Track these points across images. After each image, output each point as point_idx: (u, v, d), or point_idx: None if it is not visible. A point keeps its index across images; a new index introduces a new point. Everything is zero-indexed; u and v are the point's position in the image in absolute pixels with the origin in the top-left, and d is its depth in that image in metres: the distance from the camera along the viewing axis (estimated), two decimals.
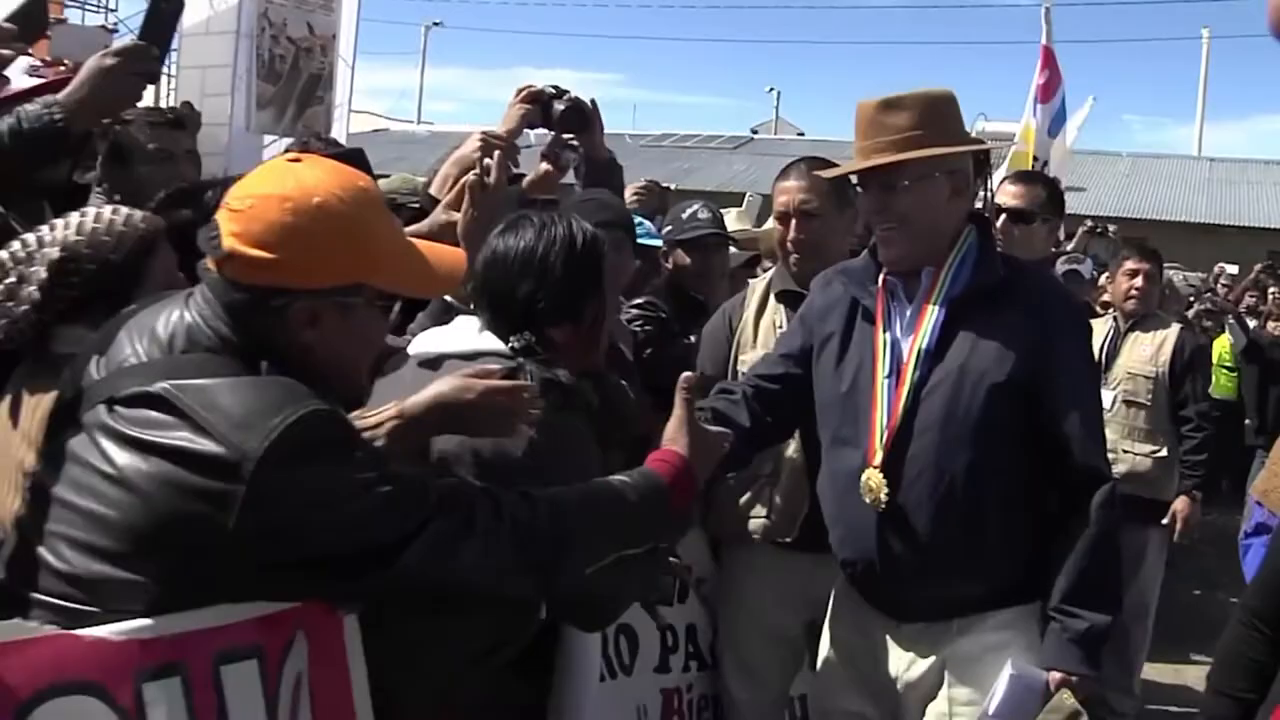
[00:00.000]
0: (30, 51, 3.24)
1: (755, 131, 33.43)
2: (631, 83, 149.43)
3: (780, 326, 3.15)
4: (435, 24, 37.52)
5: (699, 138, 30.38)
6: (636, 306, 3.49)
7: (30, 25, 2.43)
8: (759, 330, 3.24)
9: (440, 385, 2.02)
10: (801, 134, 34.89)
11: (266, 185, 1.66)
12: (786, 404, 2.73)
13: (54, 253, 2.11)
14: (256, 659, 1.54)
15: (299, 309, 1.65)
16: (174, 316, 1.68)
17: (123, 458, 1.53)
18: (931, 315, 2.49)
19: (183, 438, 1.51)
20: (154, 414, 1.54)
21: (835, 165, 3.02)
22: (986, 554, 2.48)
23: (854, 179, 2.72)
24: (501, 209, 2.47)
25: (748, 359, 3.16)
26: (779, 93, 40.04)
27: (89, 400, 1.63)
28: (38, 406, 1.98)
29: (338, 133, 7.11)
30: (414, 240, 1.85)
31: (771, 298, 3.28)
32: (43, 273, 2.09)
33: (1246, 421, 8.79)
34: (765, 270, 3.96)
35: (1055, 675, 2.38)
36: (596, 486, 1.88)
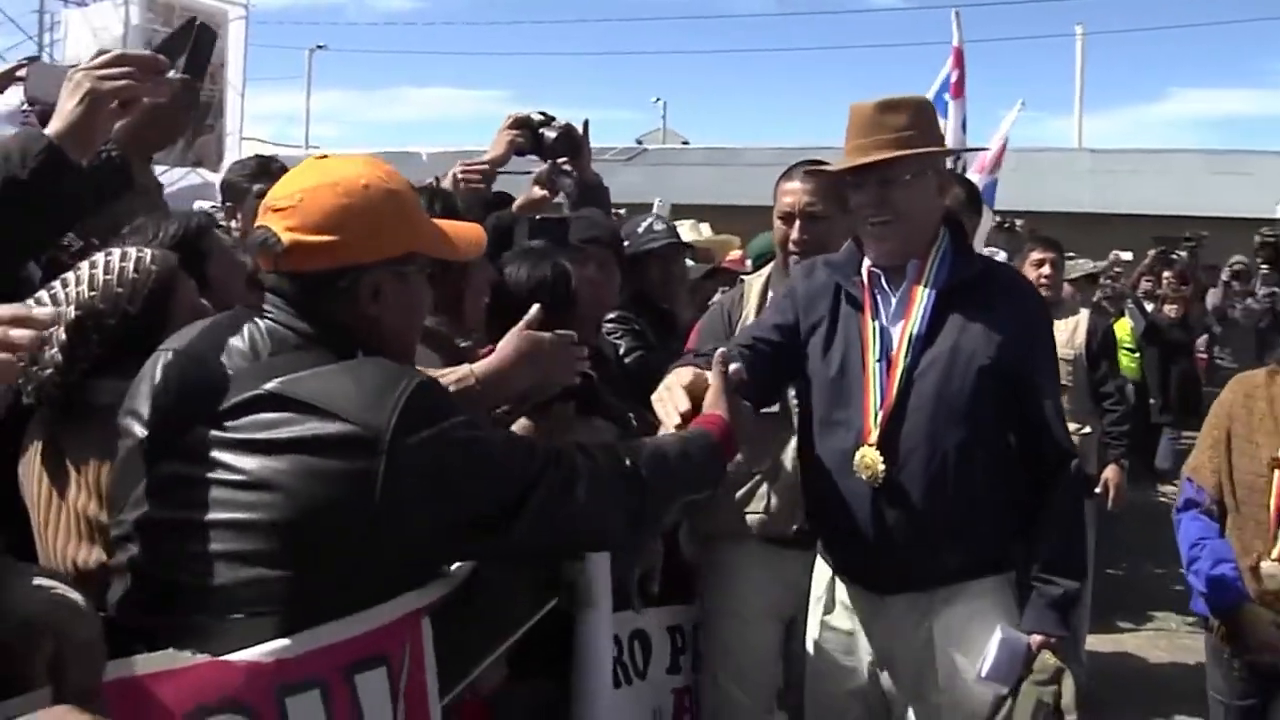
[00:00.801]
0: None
1: (641, 141, 33.48)
2: (516, 99, 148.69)
3: None
4: (319, 47, 36.90)
5: (592, 150, 30.39)
6: (611, 321, 3.54)
7: (192, 61, 2.38)
8: None
9: (514, 342, 2.17)
10: (686, 143, 34.98)
11: (309, 180, 1.78)
12: (777, 366, 2.81)
13: (70, 313, 2.11)
14: (384, 666, 1.65)
15: (366, 283, 1.75)
16: (248, 328, 1.75)
17: (253, 462, 1.59)
18: (920, 303, 2.66)
19: (312, 427, 1.58)
20: (272, 414, 1.61)
21: (822, 166, 3.15)
22: (971, 526, 2.66)
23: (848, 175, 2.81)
24: None
25: None
26: (665, 103, 40.14)
27: (176, 426, 1.67)
28: (97, 461, 2.02)
29: (229, 160, 6.99)
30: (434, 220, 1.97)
31: (771, 295, 3.32)
32: (62, 334, 2.10)
33: (1151, 401, 9.06)
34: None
35: (1037, 638, 2.59)
36: (662, 441, 2.05)
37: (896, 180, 2.63)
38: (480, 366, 2.09)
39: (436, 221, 1.94)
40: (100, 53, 2.00)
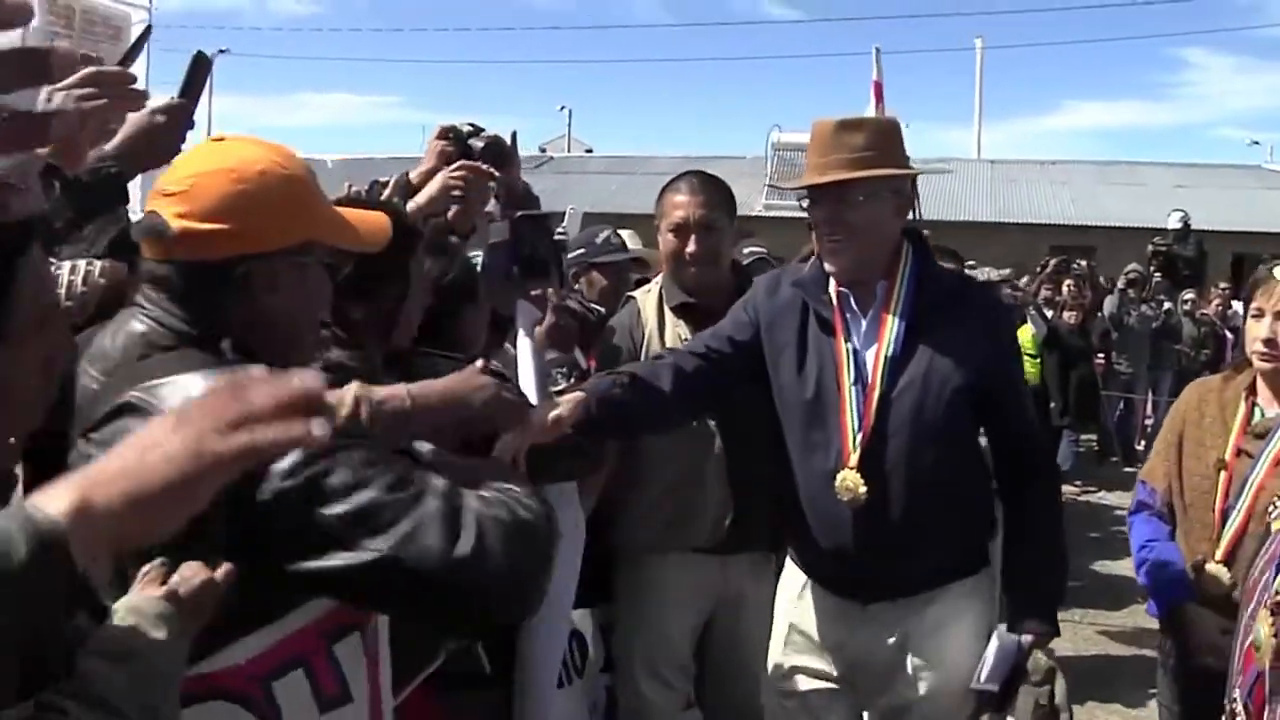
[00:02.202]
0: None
1: (544, 149, 33.40)
2: (414, 104, 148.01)
3: (685, 339, 3.14)
4: (221, 51, 36.09)
5: None
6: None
7: (189, 86, 2.34)
8: (665, 343, 3.22)
9: (455, 378, 2.01)
10: (590, 150, 35.04)
11: (203, 164, 1.68)
12: (721, 378, 2.81)
13: None
14: (358, 631, 1.64)
15: (261, 273, 1.65)
16: (124, 329, 1.65)
17: None
18: (892, 325, 2.66)
19: None
20: (130, 421, 1.48)
21: (708, 176, 3.21)
22: (950, 535, 2.70)
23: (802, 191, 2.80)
24: None
25: None
26: (570, 111, 40.02)
27: (58, 443, 1.56)
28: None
29: None
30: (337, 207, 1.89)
31: (668, 312, 3.29)
32: None
33: (1051, 405, 9.31)
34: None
35: (1028, 638, 2.61)
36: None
37: (850, 200, 2.62)
38: (417, 388, 2.03)
39: (340, 209, 1.87)
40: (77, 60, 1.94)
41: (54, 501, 0.97)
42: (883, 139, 2.66)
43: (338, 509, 1.43)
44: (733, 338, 2.80)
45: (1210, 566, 2.79)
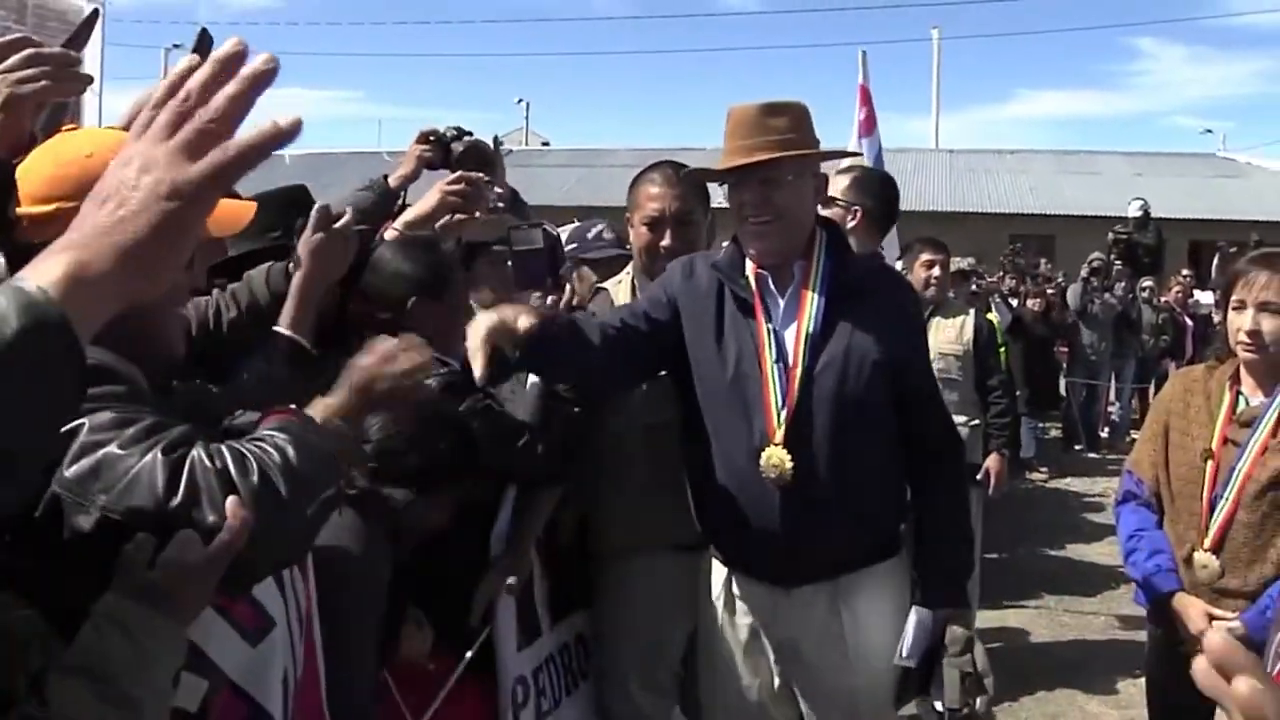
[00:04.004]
0: None
1: (501, 141, 33.13)
2: (372, 99, 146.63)
3: None
4: (175, 46, 35.58)
5: None
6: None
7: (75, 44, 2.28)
8: None
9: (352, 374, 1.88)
10: (547, 143, 34.82)
11: (39, 152, 1.73)
12: (639, 356, 2.81)
13: None
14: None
15: None
16: None
17: None
18: (812, 304, 2.70)
19: None
20: None
21: (682, 166, 3.12)
22: (873, 514, 2.76)
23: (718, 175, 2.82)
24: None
25: None
26: (528, 104, 39.78)
27: None
28: None
29: None
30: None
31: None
32: None
33: (1017, 393, 9.39)
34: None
35: (942, 612, 2.71)
36: None
37: (779, 181, 2.66)
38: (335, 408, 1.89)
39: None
40: (10, 44, 1.91)
41: (44, 272, 0.90)
42: (803, 123, 2.72)
43: (74, 470, 1.42)
44: (650, 315, 2.79)
45: (1198, 555, 2.82)
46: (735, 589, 2.87)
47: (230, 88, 0.93)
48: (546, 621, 3.01)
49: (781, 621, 2.80)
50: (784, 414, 2.65)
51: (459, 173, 2.93)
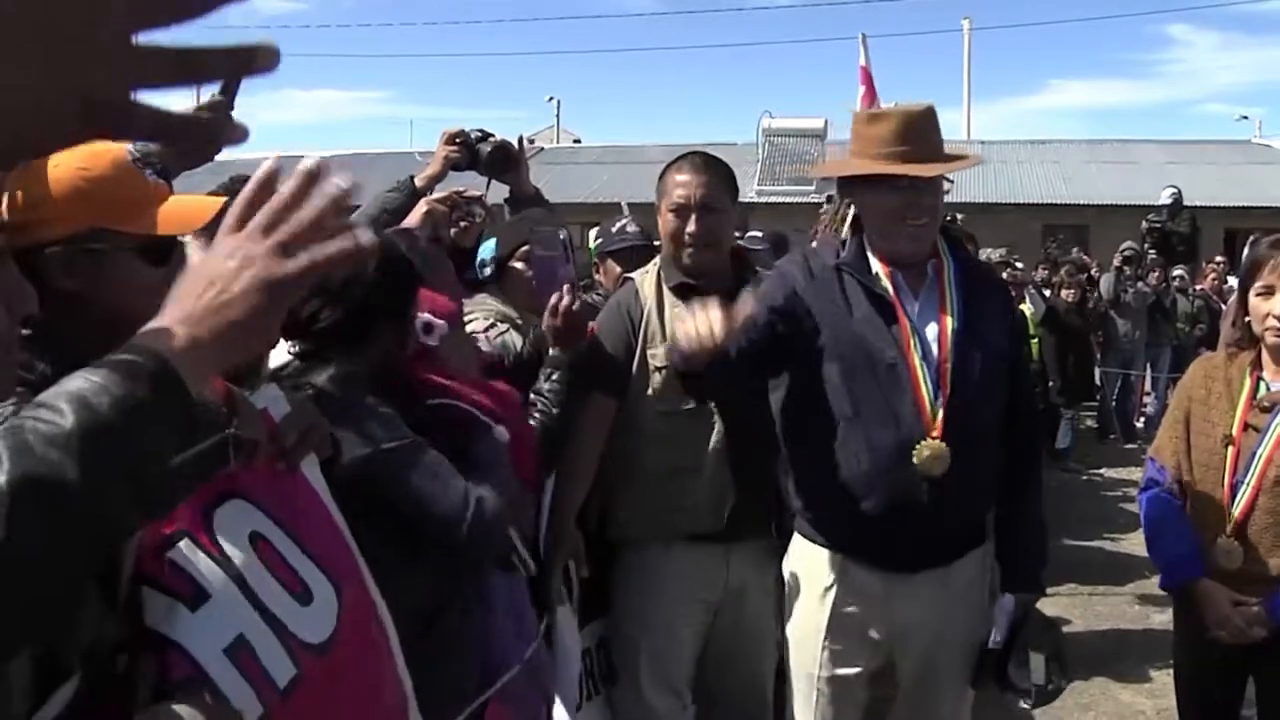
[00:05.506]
0: None
1: (532, 140, 33.17)
2: (402, 99, 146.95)
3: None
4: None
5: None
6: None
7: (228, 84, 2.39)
8: (665, 324, 3.16)
9: None
10: (578, 141, 34.80)
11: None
12: (773, 351, 2.82)
13: None
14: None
15: (53, 257, 1.70)
16: None
17: None
18: (952, 300, 2.83)
19: None
20: None
21: (703, 155, 3.28)
22: (987, 503, 2.94)
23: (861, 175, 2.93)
24: None
25: (658, 352, 3.12)
26: (559, 102, 39.75)
27: None
28: None
29: None
30: (175, 195, 1.88)
31: (667, 292, 3.23)
32: None
33: (1050, 383, 9.36)
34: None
35: (1025, 596, 2.85)
36: None
37: (938, 187, 2.82)
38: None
39: (180, 197, 1.85)
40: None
41: (163, 337, 1.06)
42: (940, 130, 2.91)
43: None
44: (787, 310, 2.80)
45: (1221, 541, 2.84)
46: (848, 575, 2.89)
47: (315, 201, 1.09)
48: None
49: (898, 606, 2.87)
50: (940, 407, 2.75)
51: (449, 191, 3.06)
